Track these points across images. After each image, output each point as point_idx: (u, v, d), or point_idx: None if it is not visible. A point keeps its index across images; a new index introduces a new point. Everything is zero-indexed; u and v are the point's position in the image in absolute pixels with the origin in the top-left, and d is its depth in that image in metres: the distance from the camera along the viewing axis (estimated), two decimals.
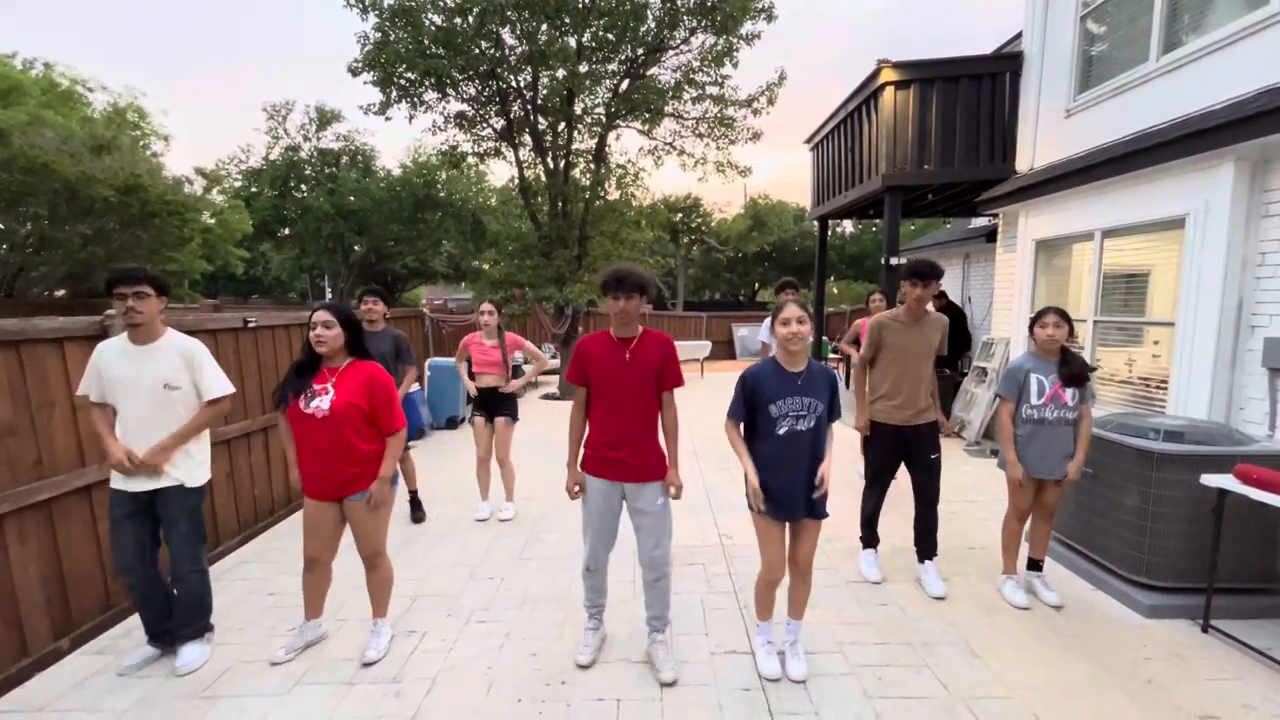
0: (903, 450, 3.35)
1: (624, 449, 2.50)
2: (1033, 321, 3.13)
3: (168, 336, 2.63)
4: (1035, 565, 3.29)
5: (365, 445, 2.62)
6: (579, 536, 4.00)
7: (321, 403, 2.51)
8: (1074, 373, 3.00)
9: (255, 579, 3.53)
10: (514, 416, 4.43)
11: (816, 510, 2.45)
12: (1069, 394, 3.01)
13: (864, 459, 3.61)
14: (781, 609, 2.69)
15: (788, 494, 2.42)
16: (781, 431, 2.40)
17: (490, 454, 4.43)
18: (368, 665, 2.67)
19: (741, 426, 2.53)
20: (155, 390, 2.55)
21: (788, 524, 2.51)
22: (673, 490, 2.55)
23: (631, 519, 2.60)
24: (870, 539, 3.54)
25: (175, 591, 2.73)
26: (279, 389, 2.61)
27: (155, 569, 2.68)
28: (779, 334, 2.39)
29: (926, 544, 3.39)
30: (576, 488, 2.60)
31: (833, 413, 2.47)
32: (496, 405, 4.36)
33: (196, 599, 2.75)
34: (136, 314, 2.49)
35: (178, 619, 2.72)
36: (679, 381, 2.55)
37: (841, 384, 5.18)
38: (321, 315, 2.58)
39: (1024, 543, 3.34)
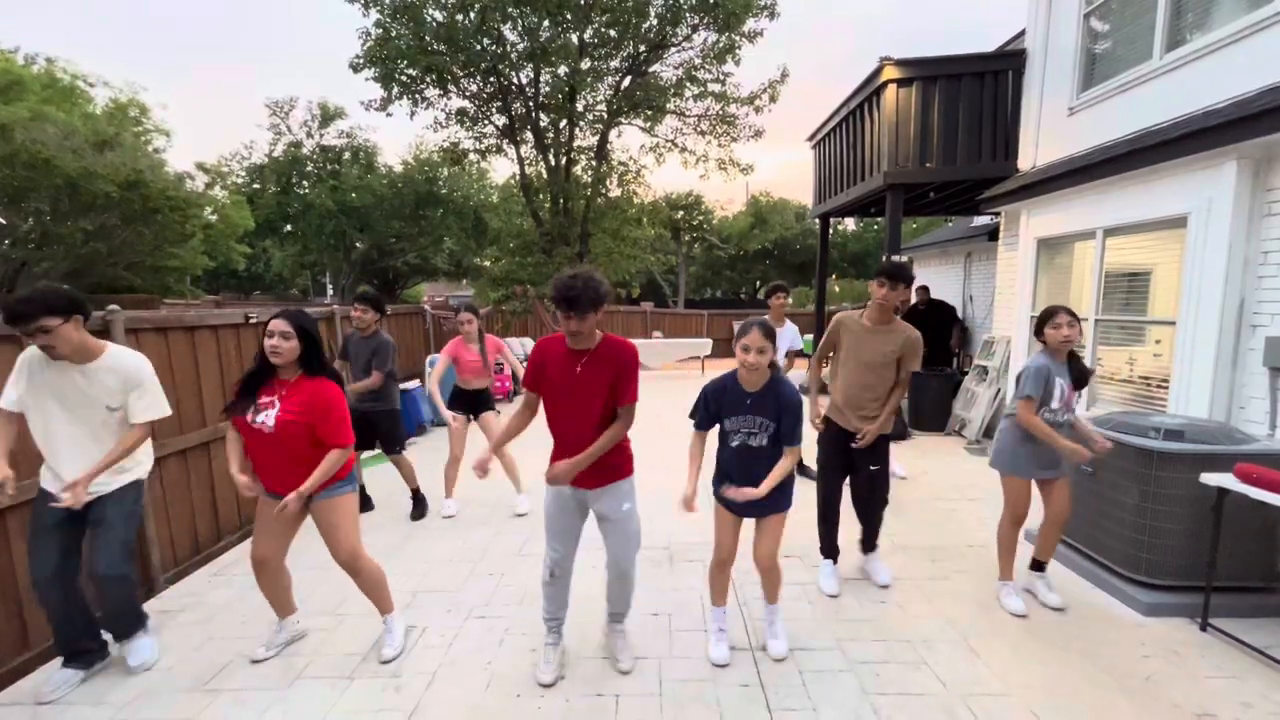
0: (847, 455, 3.27)
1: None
2: (1042, 321, 3.03)
3: (108, 356, 2.46)
4: (1037, 566, 3.24)
5: (316, 456, 2.51)
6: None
7: (266, 418, 2.40)
8: (1082, 374, 2.99)
9: None
10: (494, 409, 4.51)
11: (765, 509, 2.53)
12: (1075, 397, 3.01)
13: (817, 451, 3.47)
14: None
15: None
16: (734, 444, 2.50)
17: (463, 454, 4.39)
18: (386, 663, 2.65)
19: (705, 436, 2.61)
20: (93, 410, 2.43)
21: (748, 519, 2.62)
22: (551, 474, 2.39)
23: (598, 525, 2.54)
24: (828, 548, 3.39)
25: (101, 597, 2.55)
26: (230, 403, 2.48)
27: (77, 582, 2.49)
28: (737, 358, 2.42)
29: (868, 540, 3.44)
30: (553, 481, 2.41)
31: (787, 437, 2.45)
32: (479, 404, 4.42)
33: (125, 605, 2.60)
34: (52, 349, 2.31)
35: (110, 626, 2.59)
36: (630, 399, 2.35)
37: None
38: (279, 324, 2.42)
39: (1021, 544, 3.34)
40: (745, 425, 2.46)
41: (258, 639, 2.81)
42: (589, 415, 2.35)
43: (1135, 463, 3.09)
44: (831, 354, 3.35)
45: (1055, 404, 2.98)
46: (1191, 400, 3.98)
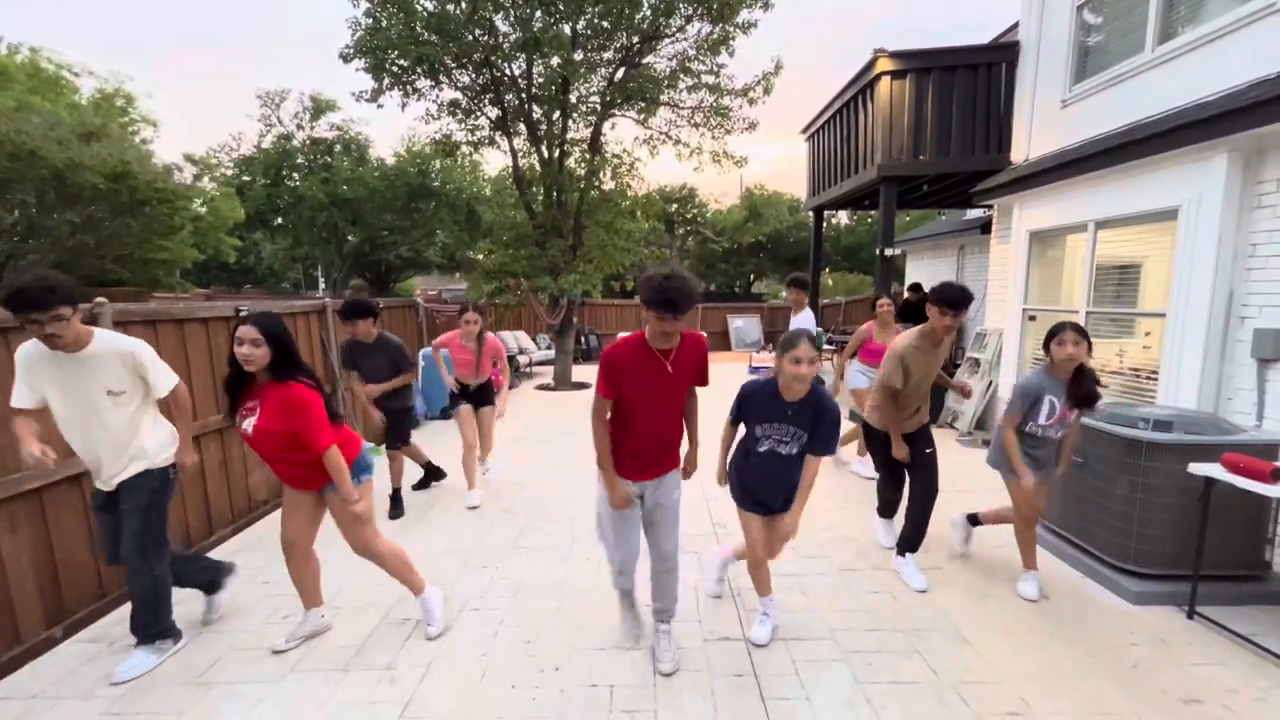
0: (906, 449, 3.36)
1: (655, 454, 2.42)
2: (1049, 339, 3.03)
3: (98, 341, 2.39)
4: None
5: (304, 456, 2.47)
6: (574, 525, 4.07)
7: (248, 426, 2.40)
8: (1086, 394, 2.95)
9: (250, 567, 3.52)
10: (493, 405, 4.67)
11: (784, 507, 2.60)
12: (1074, 414, 3.03)
13: (871, 457, 3.74)
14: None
15: (761, 499, 2.61)
16: (762, 450, 2.52)
17: (476, 441, 4.57)
18: (432, 639, 2.75)
19: (736, 430, 2.66)
20: (97, 397, 2.38)
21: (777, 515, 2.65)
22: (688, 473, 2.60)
23: (648, 516, 2.51)
24: (887, 511, 3.70)
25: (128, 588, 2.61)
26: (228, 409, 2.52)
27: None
28: (786, 370, 2.35)
29: (913, 540, 3.36)
30: (627, 497, 2.42)
31: (822, 446, 2.44)
32: (480, 397, 4.57)
33: (142, 603, 2.57)
34: (57, 339, 2.25)
35: (131, 618, 2.60)
36: (707, 380, 2.47)
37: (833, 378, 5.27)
38: (248, 332, 2.30)
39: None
40: (779, 434, 2.45)
41: (255, 631, 2.81)
42: (677, 407, 2.44)
43: (1124, 453, 3.12)
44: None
45: (1044, 420, 3.01)
46: (1180, 391, 4.02)
